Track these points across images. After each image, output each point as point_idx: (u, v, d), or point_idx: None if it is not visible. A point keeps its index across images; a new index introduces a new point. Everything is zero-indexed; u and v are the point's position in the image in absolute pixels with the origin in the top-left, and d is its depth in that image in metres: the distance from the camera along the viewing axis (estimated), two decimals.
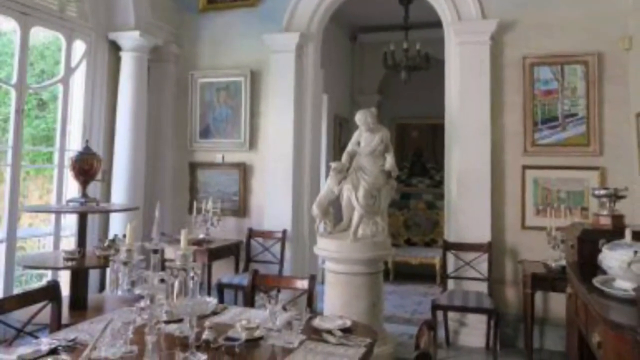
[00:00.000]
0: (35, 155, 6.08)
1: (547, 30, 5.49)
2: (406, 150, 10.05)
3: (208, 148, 6.73)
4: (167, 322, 2.68)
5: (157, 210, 2.49)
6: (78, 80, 6.08)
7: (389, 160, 5.00)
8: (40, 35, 5.93)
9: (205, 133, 6.73)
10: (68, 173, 5.34)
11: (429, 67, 7.54)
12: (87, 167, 4.85)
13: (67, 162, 5.33)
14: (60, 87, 5.89)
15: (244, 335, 2.58)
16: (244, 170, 6.54)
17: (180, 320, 2.66)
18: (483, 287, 5.35)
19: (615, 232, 3.21)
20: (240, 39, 6.63)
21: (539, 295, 5.13)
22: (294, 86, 6.29)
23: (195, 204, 6.24)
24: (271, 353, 2.51)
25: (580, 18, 5.41)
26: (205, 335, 2.53)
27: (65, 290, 3.84)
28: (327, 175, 5.48)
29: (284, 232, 6.15)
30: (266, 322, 2.77)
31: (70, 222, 5.85)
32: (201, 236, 5.96)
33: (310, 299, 3.48)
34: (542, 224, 5.18)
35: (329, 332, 2.73)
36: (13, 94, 5.32)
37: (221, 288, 5.86)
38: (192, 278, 2.32)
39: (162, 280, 2.29)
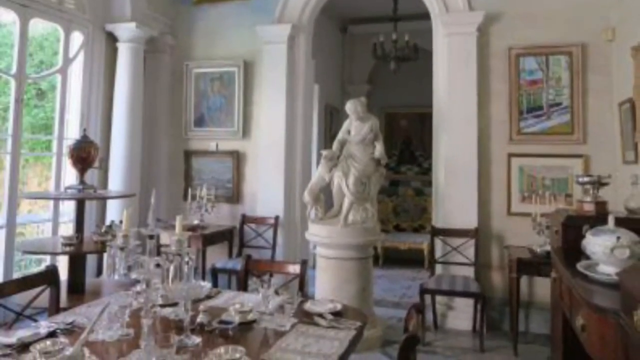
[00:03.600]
0: (34, 143, 6.12)
1: (532, 22, 5.56)
2: (395, 138, 10.17)
3: (202, 136, 6.80)
4: (163, 306, 2.69)
5: (152, 197, 2.47)
6: (76, 71, 6.15)
7: (379, 148, 5.07)
8: (39, 26, 5.97)
9: (200, 122, 6.80)
10: (66, 161, 5.38)
11: (418, 58, 7.59)
12: (84, 155, 4.85)
13: (65, 150, 5.39)
14: (58, 77, 5.96)
15: (237, 319, 2.61)
16: (237, 158, 6.62)
17: (175, 304, 2.65)
18: (470, 272, 5.45)
19: (598, 218, 3.22)
20: (233, 30, 6.70)
21: (524, 280, 5.20)
22: (286, 76, 6.35)
23: (190, 190, 6.32)
24: (264, 336, 2.53)
25: (564, 9, 5.48)
26: (200, 318, 2.57)
27: (63, 275, 3.88)
28: (318, 163, 5.52)
29: (276, 218, 6.24)
30: (259, 305, 2.80)
31: (68, 208, 5.92)
32: (196, 222, 6.02)
33: (302, 283, 3.51)
34: (527, 210, 5.26)
35: (320, 315, 2.77)
36: (13, 83, 5.39)
37: (215, 273, 5.93)
38: (187, 263, 2.34)
39: (158, 265, 2.29)
